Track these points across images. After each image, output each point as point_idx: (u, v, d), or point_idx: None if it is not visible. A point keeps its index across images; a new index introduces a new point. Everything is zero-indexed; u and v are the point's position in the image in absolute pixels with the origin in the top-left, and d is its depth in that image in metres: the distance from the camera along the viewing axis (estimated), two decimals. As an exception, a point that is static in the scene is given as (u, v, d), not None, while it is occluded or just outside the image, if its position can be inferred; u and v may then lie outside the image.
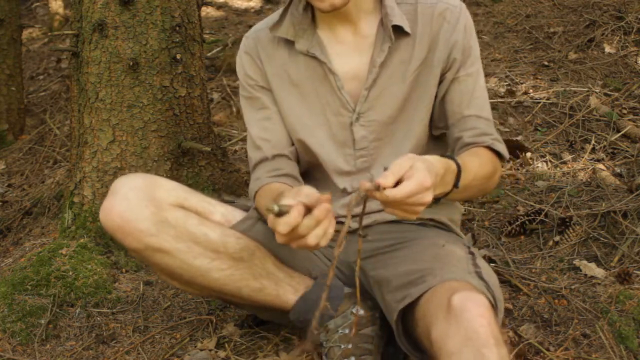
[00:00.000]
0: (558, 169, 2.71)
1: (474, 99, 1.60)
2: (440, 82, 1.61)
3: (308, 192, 1.23)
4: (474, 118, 1.59)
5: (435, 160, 1.27)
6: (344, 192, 1.64)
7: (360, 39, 1.59)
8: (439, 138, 1.72)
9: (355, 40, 1.59)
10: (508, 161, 2.71)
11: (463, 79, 1.59)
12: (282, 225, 1.17)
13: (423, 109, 1.62)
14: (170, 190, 1.57)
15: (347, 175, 1.65)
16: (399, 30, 1.56)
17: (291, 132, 1.68)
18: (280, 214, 1.17)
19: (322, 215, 1.19)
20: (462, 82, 1.59)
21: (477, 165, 1.47)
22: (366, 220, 1.65)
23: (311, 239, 1.19)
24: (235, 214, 1.67)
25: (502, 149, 1.58)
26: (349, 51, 1.60)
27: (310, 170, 1.74)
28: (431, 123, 1.67)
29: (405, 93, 1.59)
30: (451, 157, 1.38)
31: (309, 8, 1.59)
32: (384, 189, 1.15)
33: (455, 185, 1.36)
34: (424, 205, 1.18)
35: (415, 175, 1.16)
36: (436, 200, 1.36)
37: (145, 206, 1.50)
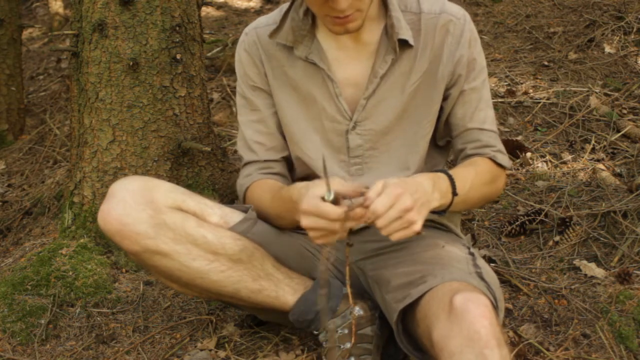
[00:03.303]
0: (558, 169, 2.71)
1: (477, 111, 1.61)
2: (446, 97, 1.61)
3: (338, 182, 1.32)
4: (477, 131, 1.62)
5: (418, 176, 1.37)
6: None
7: (361, 46, 1.57)
8: (444, 146, 1.73)
9: (356, 47, 1.57)
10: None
11: (467, 92, 1.60)
12: (335, 214, 1.26)
13: (426, 124, 1.61)
14: (167, 192, 1.57)
15: None
16: (402, 42, 1.54)
17: (287, 133, 1.68)
18: (334, 202, 1.26)
19: (370, 219, 1.28)
20: (467, 95, 1.60)
21: (473, 173, 1.51)
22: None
23: (346, 234, 1.31)
24: (233, 216, 1.67)
25: (504, 160, 1.62)
26: (349, 58, 1.58)
27: (309, 177, 1.74)
28: (436, 133, 1.67)
29: (403, 104, 1.59)
30: (439, 170, 1.45)
31: (310, 12, 1.58)
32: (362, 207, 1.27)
33: (454, 193, 1.42)
34: (408, 212, 1.26)
35: (385, 190, 1.26)
36: (442, 211, 1.41)
37: (143, 209, 1.49)
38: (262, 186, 1.67)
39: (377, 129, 1.60)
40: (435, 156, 1.71)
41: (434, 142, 1.70)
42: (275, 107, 1.69)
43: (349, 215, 1.26)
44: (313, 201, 1.28)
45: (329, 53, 1.58)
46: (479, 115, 1.62)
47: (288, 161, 1.77)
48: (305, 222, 1.30)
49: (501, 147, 1.64)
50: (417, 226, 1.27)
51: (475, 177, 1.51)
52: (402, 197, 1.25)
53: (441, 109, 1.63)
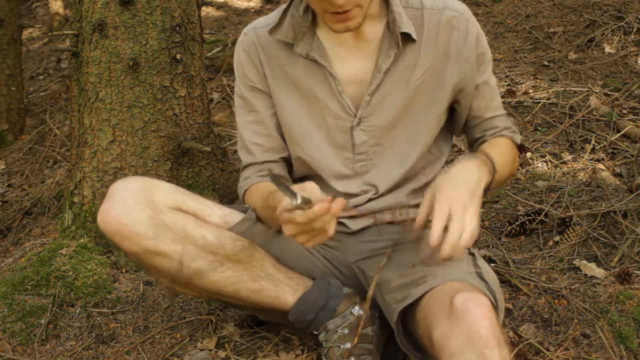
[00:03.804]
0: (558, 169, 2.71)
1: (491, 100, 1.68)
2: (462, 98, 1.62)
3: (311, 187, 1.30)
4: (494, 119, 1.69)
5: (469, 161, 1.43)
6: (345, 195, 1.64)
7: (363, 42, 1.57)
8: (451, 136, 1.76)
9: (357, 44, 1.57)
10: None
11: (481, 85, 1.65)
12: (302, 217, 1.24)
13: (431, 121, 1.61)
14: (167, 193, 1.56)
15: (345, 178, 1.65)
16: (405, 37, 1.54)
17: (287, 133, 1.68)
18: (302, 205, 1.23)
19: (338, 209, 1.27)
20: (481, 88, 1.65)
21: (499, 153, 1.57)
22: (366, 221, 1.65)
23: (331, 231, 1.29)
24: (233, 216, 1.67)
25: (519, 139, 1.71)
26: (350, 54, 1.58)
27: (309, 176, 1.73)
28: (451, 127, 1.70)
29: (407, 99, 1.58)
30: (478, 152, 1.52)
31: (310, 9, 1.57)
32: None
33: (493, 170, 1.49)
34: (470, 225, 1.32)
35: (454, 216, 1.31)
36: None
37: (143, 209, 1.49)
38: (256, 191, 1.67)
39: (382, 124, 1.60)
40: (442, 147, 1.72)
41: (447, 134, 1.72)
42: (274, 108, 1.68)
43: (315, 213, 1.23)
44: (283, 210, 1.28)
45: (330, 50, 1.58)
46: (493, 104, 1.68)
47: (288, 162, 1.77)
48: (286, 231, 1.30)
49: (514, 126, 1.71)
50: (475, 228, 1.32)
51: (502, 157, 1.56)
52: (465, 213, 1.31)
53: (461, 108, 1.65)
